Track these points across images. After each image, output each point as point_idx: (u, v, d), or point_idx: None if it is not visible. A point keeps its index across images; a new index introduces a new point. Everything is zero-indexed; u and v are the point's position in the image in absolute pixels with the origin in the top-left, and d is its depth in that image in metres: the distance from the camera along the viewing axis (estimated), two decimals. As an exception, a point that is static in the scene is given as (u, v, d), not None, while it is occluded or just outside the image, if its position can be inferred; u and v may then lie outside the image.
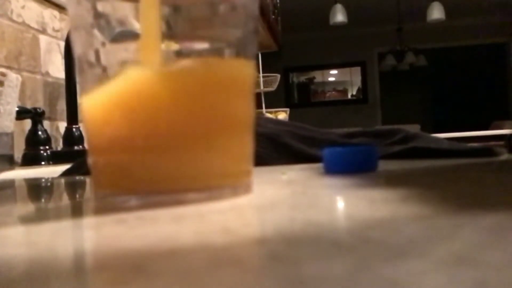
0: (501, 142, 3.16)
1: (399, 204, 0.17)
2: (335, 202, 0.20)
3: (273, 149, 0.49)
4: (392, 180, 0.27)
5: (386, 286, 0.08)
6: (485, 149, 0.44)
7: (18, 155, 0.94)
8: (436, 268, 0.09)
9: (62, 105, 1.17)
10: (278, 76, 2.44)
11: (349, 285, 0.08)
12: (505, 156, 0.43)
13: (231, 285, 0.09)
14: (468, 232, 0.12)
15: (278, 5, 2.63)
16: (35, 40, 1.11)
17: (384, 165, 0.36)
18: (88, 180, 0.39)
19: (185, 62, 0.22)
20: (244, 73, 0.23)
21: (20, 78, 0.80)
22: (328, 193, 0.22)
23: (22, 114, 0.88)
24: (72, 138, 1.01)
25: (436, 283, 0.08)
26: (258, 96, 2.40)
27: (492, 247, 0.11)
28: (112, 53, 0.22)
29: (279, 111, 2.31)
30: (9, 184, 0.43)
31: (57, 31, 1.21)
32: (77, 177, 0.47)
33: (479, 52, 6.18)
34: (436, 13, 4.02)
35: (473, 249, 0.10)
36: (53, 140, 1.08)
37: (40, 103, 1.11)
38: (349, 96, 6.12)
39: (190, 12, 0.22)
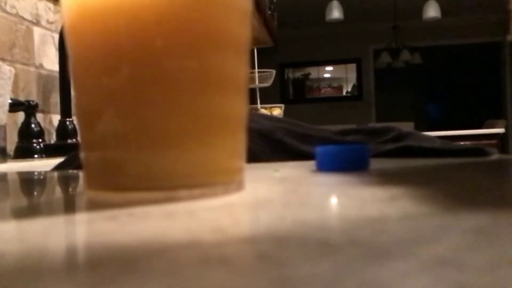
0: (494, 141, 3.18)
1: (388, 204, 0.17)
2: (325, 201, 0.20)
3: (267, 145, 0.49)
4: (383, 179, 0.27)
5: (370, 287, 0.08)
6: (477, 149, 0.44)
7: (10, 147, 0.93)
8: (419, 270, 0.09)
9: (55, 98, 1.16)
10: (274, 71, 2.44)
11: (334, 286, 0.09)
12: (495, 156, 0.44)
13: (219, 283, 0.09)
14: (452, 233, 0.12)
15: (275, 0, 2.62)
16: (29, 32, 1.10)
17: (376, 164, 0.36)
18: (80, 174, 0.39)
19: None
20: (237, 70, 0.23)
21: (13, 70, 0.80)
22: (319, 191, 0.23)
23: (15, 106, 0.87)
24: (65, 131, 1.01)
25: (419, 285, 0.08)
26: (253, 91, 2.40)
27: (475, 249, 0.11)
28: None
29: (274, 106, 2.31)
30: (1, 178, 0.43)
31: (52, 23, 1.20)
32: (70, 171, 0.47)
33: (474, 50, 6.20)
34: (432, 11, 4.02)
35: (456, 251, 0.11)
36: (46, 133, 1.08)
37: (33, 96, 1.10)
38: (344, 93, 6.13)
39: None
